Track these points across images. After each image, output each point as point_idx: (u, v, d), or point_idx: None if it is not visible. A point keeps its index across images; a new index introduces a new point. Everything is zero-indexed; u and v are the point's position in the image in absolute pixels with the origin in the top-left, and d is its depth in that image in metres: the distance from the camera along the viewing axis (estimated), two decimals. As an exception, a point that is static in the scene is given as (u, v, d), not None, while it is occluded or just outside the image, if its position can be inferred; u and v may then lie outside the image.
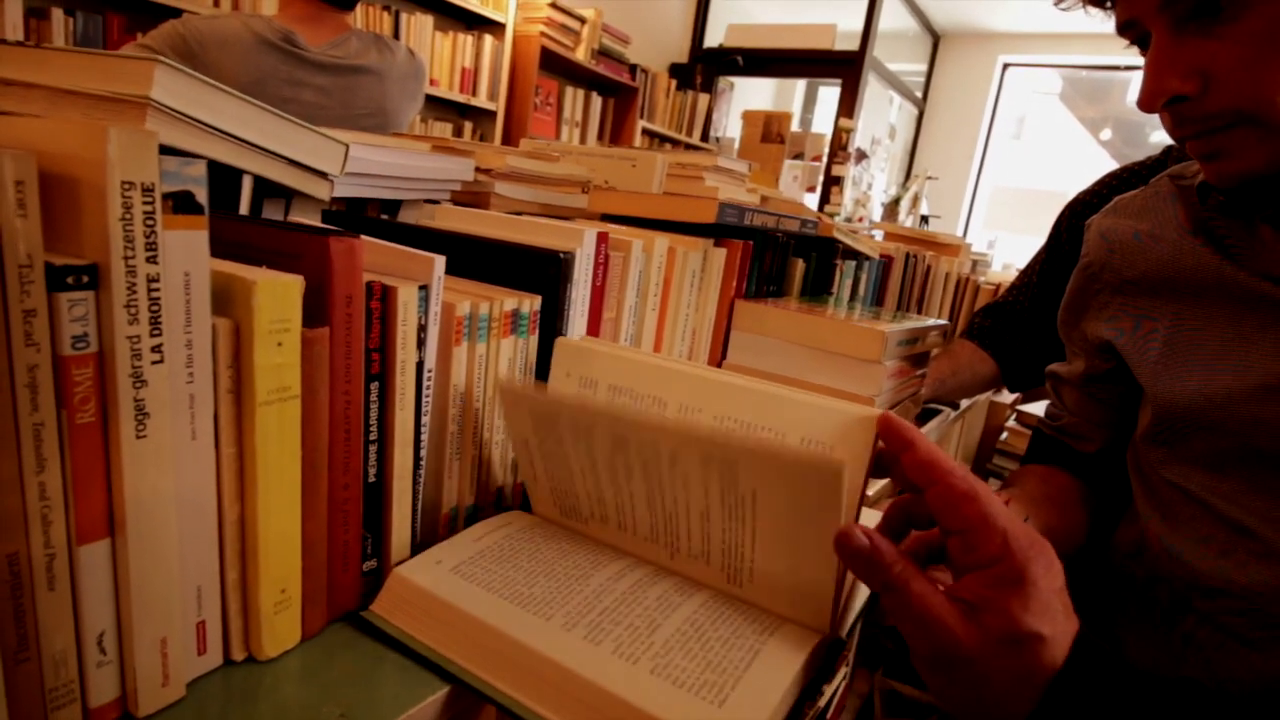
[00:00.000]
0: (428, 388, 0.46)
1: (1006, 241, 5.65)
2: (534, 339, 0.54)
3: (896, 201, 4.44)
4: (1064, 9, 0.60)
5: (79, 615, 0.32)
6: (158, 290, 0.31)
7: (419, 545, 0.48)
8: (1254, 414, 0.57)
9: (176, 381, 0.33)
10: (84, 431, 0.31)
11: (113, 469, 0.32)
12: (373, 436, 0.43)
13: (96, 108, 0.47)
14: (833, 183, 4.38)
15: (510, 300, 0.51)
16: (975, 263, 1.88)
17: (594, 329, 0.61)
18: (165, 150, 0.31)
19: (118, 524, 0.32)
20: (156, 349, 0.32)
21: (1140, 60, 0.55)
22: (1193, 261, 0.62)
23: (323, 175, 0.58)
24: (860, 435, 0.42)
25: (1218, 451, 0.60)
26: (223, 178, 0.52)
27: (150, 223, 0.30)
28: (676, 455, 0.43)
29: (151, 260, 0.31)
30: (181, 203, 0.32)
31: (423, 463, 0.47)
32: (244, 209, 0.55)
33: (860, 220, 4.45)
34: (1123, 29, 0.56)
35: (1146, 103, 0.54)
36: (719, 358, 0.81)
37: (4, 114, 0.46)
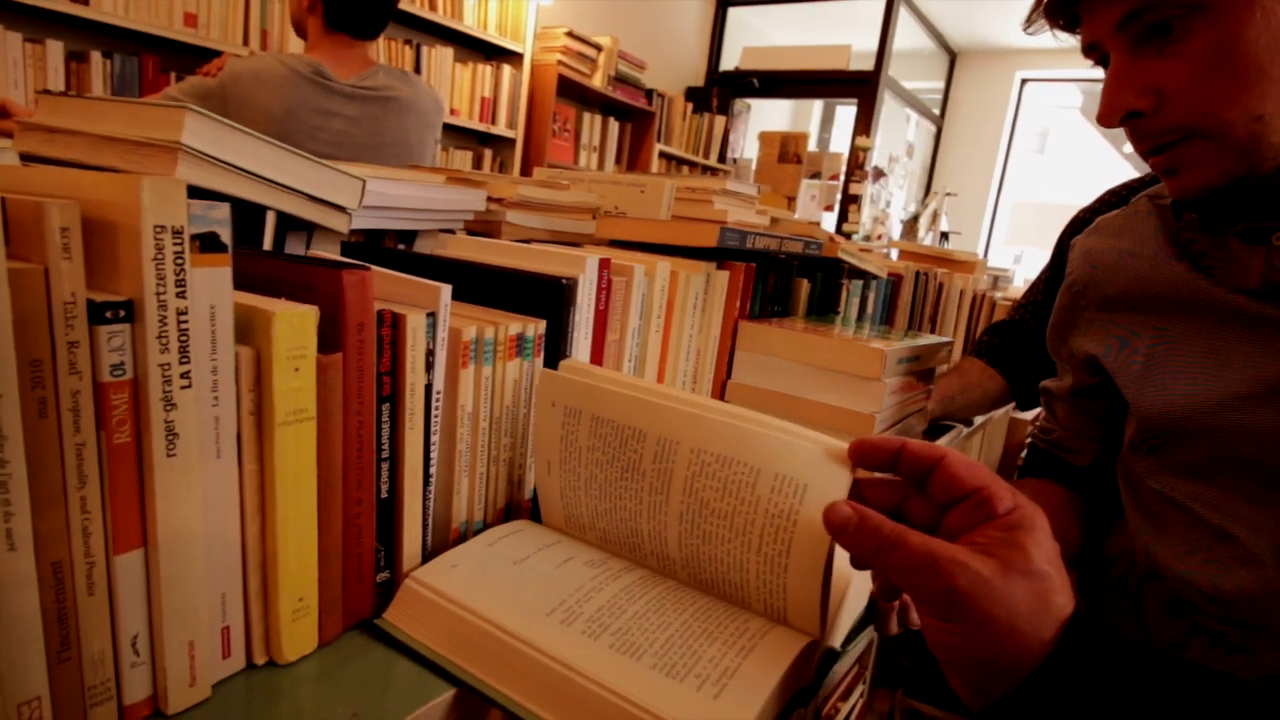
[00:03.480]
0: (436, 408, 0.49)
1: (1033, 256, 5.61)
2: (539, 361, 0.57)
3: (915, 219, 4.44)
4: (1030, 33, 0.64)
5: (115, 619, 0.35)
6: (186, 322, 0.34)
7: (429, 557, 0.50)
8: (1235, 422, 0.58)
9: (203, 405, 0.36)
10: (120, 451, 0.34)
11: (145, 485, 0.35)
12: (384, 455, 0.46)
13: (133, 152, 0.51)
14: (850, 201, 4.40)
15: (515, 325, 0.54)
16: (996, 279, 1.88)
17: (598, 351, 0.63)
18: (193, 193, 0.34)
19: (150, 535, 0.35)
20: (185, 375, 0.35)
21: None
22: (1169, 277, 0.64)
23: (341, 209, 0.61)
24: (834, 468, 0.42)
25: (1202, 460, 0.62)
26: (248, 213, 0.56)
27: (180, 262, 0.34)
28: (688, 481, 0.46)
29: (181, 295, 0.34)
30: (208, 243, 0.35)
31: (432, 479, 0.50)
32: (268, 242, 0.59)
33: (879, 238, 4.46)
34: (1087, 51, 0.60)
35: (1105, 118, 0.57)
36: (724, 377, 0.84)
37: (51, 162, 0.51)
